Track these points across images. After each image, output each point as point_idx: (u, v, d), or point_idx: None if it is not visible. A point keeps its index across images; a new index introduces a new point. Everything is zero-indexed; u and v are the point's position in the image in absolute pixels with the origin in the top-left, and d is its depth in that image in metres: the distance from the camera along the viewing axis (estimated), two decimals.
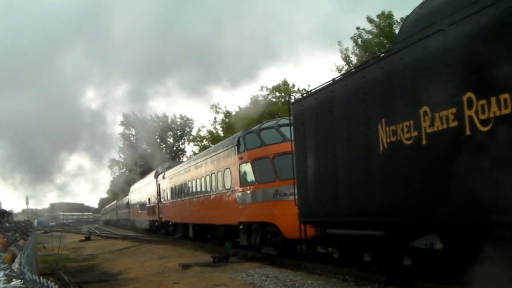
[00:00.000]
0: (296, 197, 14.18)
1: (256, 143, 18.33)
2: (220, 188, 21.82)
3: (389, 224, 10.13)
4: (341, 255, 12.78)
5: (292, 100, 15.51)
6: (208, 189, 23.88)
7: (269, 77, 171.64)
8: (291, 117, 14.73)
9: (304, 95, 15.38)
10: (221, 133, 54.15)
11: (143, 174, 56.53)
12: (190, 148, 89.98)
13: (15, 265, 10.73)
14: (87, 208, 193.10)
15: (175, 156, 74.94)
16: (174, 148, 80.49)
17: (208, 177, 23.96)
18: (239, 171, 19.09)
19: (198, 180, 25.95)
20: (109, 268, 20.99)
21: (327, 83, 12.68)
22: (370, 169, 10.51)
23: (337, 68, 34.45)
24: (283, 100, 47.50)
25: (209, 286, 13.43)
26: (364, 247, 11.42)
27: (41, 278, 6.95)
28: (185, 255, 22.16)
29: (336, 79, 12.39)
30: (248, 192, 18.35)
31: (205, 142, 58.74)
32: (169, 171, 35.55)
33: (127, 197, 61.04)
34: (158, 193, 37.94)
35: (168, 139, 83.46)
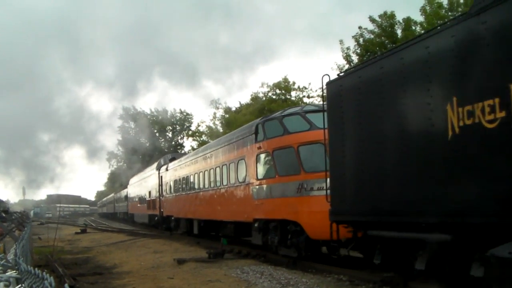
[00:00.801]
0: (329, 192, 12.04)
1: (277, 131, 16.24)
2: (232, 181, 19.83)
3: (458, 227, 8.22)
4: (384, 261, 10.65)
5: (327, 80, 12.58)
6: (218, 182, 21.78)
7: (270, 74, 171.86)
8: (325, 100, 12.56)
9: (343, 73, 13.15)
10: (220, 128, 54.19)
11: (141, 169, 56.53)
12: (189, 143, 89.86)
13: (10, 256, 10.77)
14: (84, 201, 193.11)
15: (173, 151, 74.88)
16: (173, 143, 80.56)
17: (218, 169, 21.76)
18: (256, 162, 17.23)
19: (206, 172, 23.74)
20: (104, 261, 20.64)
21: (376, 58, 10.75)
22: (431, 159, 8.61)
23: (338, 67, 34.56)
24: (283, 97, 47.63)
25: (204, 282, 13.28)
26: (417, 253, 9.49)
27: (36, 269, 6.99)
28: (180, 250, 22.04)
29: (388, 52, 10.24)
30: (267, 185, 16.48)
31: (204, 138, 58.83)
32: (173, 162, 32.97)
33: (125, 189, 58.37)
34: (160, 186, 35.54)
35: (167, 134, 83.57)
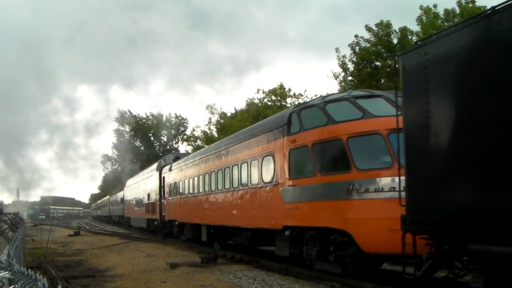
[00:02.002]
0: (402, 194, 9.30)
1: (319, 121, 13.25)
2: (254, 181, 16.99)
3: None
4: (487, 284, 7.81)
5: (402, 50, 9.65)
6: (235, 182, 18.88)
7: (265, 81, 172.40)
8: (397, 77, 9.84)
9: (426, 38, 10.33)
10: (215, 134, 54.20)
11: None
12: (183, 147, 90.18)
13: (3, 257, 10.71)
14: (78, 203, 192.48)
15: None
16: (168, 147, 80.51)
17: (235, 168, 18.88)
18: (289, 159, 14.33)
19: (220, 172, 20.73)
20: (97, 264, 20.29)
21: (483, 13, 7.83)
22: None
23: (333, 75, 34.68)
24: (278, 104, 47.69)
25: (196, 287, 13.19)
26: None
27: (29, 270, 6.96)
28: (173, 254, 21.70)
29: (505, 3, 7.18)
30: (303, 186, 13.60)
31: (199, 142, 58.82)
32: (177, 162, 29.75)
33: (122, 192, 55.81)
34: (162, 188, 32.28)
35: (162, 138, 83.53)
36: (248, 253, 18.81)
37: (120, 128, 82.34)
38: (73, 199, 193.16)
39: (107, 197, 77.51)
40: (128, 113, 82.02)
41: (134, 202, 45.35)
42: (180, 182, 27.57)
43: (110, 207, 70.87)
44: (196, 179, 24.43)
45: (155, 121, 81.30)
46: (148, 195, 37.35)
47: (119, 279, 15.65)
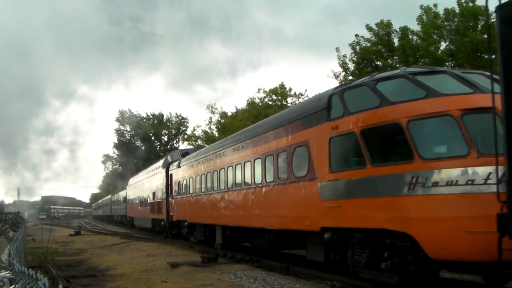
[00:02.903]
0: (501, 187, 7.62)
1: (369, 102, 11.25)
2: (283, 176, 14.84)
3: None
4: None
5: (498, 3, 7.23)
6: (258, 178, 16.74)
7: (263, 81, 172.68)
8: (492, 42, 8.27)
9: None
10: (216, 133, 54.18)
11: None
12: (184, 147, 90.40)
13: (4, 256, 10.71)
14: (79, 203, 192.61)
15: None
16: (168, 147, 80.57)
17: (258, 161, 16.71)
18: (329, 148, 12.25)
19: (238, 167, 18.57)
20: (98, 263, 20.38)
21: None
22: None
23: (334, 74, 34.61)
24: (279, 103, 47.67)
25: (197, 286, 13.12)
26: None
27: (29, 270, 6.95)
28: (174, 254, 21.69)
29: None
30: (349, 180, 11.53)
31: (200, 142, 58.81)
32: (187, 157, 27.51)
33: (124, 191, 54.42)
34: (169, 186, 30.15)
35: (163, 137, 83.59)
36: (249, 253, 18.74)
37: (120, 127, 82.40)
38: (74, 198, 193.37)
39: (109, 196, 76.49)
40: (129, 113, 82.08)
41: (137, 202, 43.50)
42: (191, 179, 25.45)
43: (112, 207, 69.57)
44: (209, 175, 22.17)
45: (155, 121, 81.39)
46: (154, 193, 35.37)
47: (119, 278, 15.66)
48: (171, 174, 29.98)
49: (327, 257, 12.75)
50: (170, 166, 30.78)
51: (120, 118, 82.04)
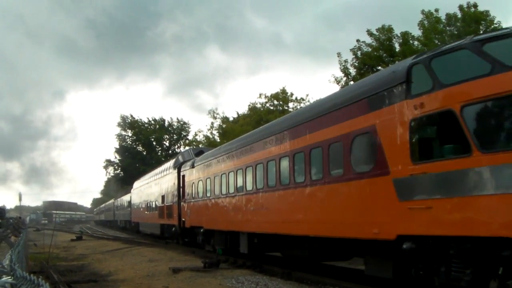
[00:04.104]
0: None
1: (473, 70, 8.80)
2: (337, 172, 12.21)
3: None
4: None
5: None
6: (301, 176, 13.95)
7: (268, 85, 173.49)
8: None
9: None
10: (217, 138, 54.24)
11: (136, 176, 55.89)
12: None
13: (6, 262, 10.70)
14: (80, 208, 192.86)
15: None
16: (170, 151, 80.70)
17: (301, 156, 13.91)
18: (410, 133, 9.74)
19: (272, 164, 15.84)
20: (99, 268, 20.19)
21: None
22: None
23: (335, 79, 34.66)
24: (280, 108, 47.70)
25: None
26: None
27: (31, 275, 6.95)
28: (175, 259, 21.61)
29: None
30: (442, 174, 9.00)
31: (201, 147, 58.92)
32: (203, 156, 24.98)
33: (128, 195, 52.18)
34: (181, 188, 27.42)
35: (164, 142, 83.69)
36: (250, 258, 18.68)
37: (122, 133, 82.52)
38: (76, 203, 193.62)
39: (112, 200, 74.85)
40: (130, 118, 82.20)
41: (144, 206, 40.84)
42: (208, 180, 22.55)
43: (115, 212, 67.30)
44: (232, 175, 19.42)
45: (157, 126, 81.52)
46: (163, 197, 32.52)
47: (121, 283, 15.62)
48: (184, 175, 27.23)
49: (397, 271, 10.62)
50: (182, 167, 27.99)
51: (121, 123, 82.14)
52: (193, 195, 24.91)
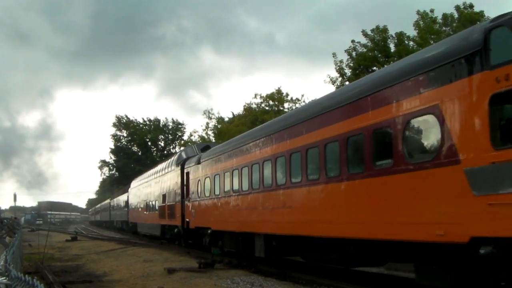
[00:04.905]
0: None
1: None
2: (383, 161, 10.37)
3: None
4: None
5: None
6: (334, 169, 12.10)
7: (263, 86, 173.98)
8: None
9: None
10: (213, 139, 54.24)
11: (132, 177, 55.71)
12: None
13: (1, 262, 10.68)
14: (75, 208, 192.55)
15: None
16: (165, 152, 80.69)
17: (335, 145, 11.96)
18: (490, 112, 7.96)
19: (298, 156, 13.73)
20: (94, 269, 20.16)
21: None
22: None
23: (331, 80, 34.71)
24: (276, 109, 47.73)
25: None
26: None
27: (26, 276, 6.95)
28: (170, 260, 21.47)
29: None
30: None
31: None
32: (210, 151, 23.17)
33: (125, 194, 50.63)
34: (185, 186, 25.51)
35: (159, 142, 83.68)
36: (245, 259, 18.67)
37: (117, 133, 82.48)
38: (70, 204, 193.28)
39: (108, 200, 73.04)
40: (125, 118, 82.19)
41: (142, 206, 38.86)
42: (217, 177, 20.63)
43: (111, 212, 65.39)
44: (246, 170, 17.38)
45: (152, 126, 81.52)
46: (164, 196, 30.54)
47: (116, 284, 15.59)
48: (188, 173, 25.24)
49: (458, 280, 9.00)
50: (186, 163, 26.05)
51: (117, 124, 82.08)
52: (199, 194, 23.00)
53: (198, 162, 23.44)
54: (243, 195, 17.59)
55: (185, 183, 25.73)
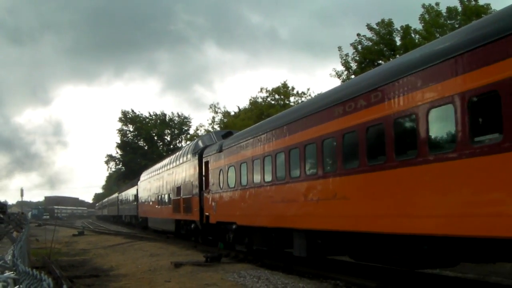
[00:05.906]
0: None
1: None
2: (478, 140, 8.15)
3: None
4: None
5: None
6: (393, 153, 10.04)
7: (269, 80, 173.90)
8: None
9: None
10: None
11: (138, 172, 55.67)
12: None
13: (8, 257, 10.74)
14: (82, 203, 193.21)
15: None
16: (171, 146, 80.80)
17: (406, 122, 9.95)
18: None
19: (352, 136, 11.48)
20: (101, 263, 20.31)
21: None
22: None
23: (336, 74, 34.64)
24: (282, 103, 47.67)
25: (200, 286, 12.94)
26: None
27: (33, 270, 6.97)
28: (177, 254, 21.50)
29: None
30: None
31: None
32: (232, 137, 21.01)
33: (134, 187, 48.21)
34: (204, 177, 23.25)
35: (165, 137, 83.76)
36: (251, 252, 18.65)
37: (123, 128, 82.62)
38: (77, 199, 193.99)
39: (116, 194, 69.94)
40: (131, 113, 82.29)
41: (153, 199, 36.31)
42: (243, 166, 18.30)
43: (119, 206, 62.75)
44: (282, 156, 15.05)
45: (158, 121, 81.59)
46: (178, 189, 28.06)
47: (123, 278, 15.66)
48: (207, 162, 22.87)
49: None
50: (205, 152, 23.66)
51: (123, 118, 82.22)
52: (221, 185, 20.59)
53: (220, 150, 21.09)
54: (278, 185, 15.24)
55: (203, 173, 23.35)
